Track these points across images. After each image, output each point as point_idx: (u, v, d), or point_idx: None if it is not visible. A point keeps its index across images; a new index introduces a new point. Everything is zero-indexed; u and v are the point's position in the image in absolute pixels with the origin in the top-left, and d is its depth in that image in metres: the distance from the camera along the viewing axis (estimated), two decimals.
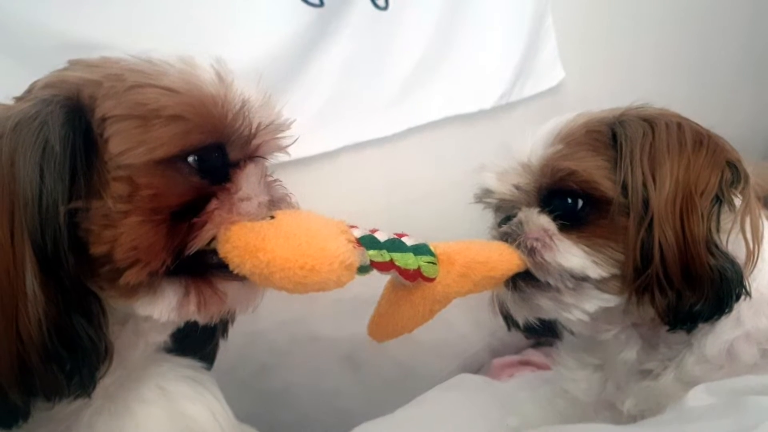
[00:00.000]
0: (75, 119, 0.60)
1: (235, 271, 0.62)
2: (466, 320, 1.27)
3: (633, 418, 0.81)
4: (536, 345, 1.29)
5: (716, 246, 0.71)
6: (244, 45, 1.11)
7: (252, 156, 0.69)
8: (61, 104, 0.60)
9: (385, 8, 1.27)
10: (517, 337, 1.26)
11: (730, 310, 0.72)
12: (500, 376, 1.20)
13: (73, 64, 0.67)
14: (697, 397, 0.69)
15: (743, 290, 0.72)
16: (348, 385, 1.24)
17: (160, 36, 1.03)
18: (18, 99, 0.64)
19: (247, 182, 0.66)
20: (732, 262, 0.71)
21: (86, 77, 0.63)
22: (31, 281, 0.56)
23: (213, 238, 0.63)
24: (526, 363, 1.23)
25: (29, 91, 0.65)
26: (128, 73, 0.63)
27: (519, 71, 1.43)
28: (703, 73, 1.74)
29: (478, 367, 1.27)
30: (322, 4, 1.18)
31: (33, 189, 0.57)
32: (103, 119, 0.60)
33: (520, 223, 0.80)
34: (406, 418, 1.03)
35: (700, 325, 0.74)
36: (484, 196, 0.88)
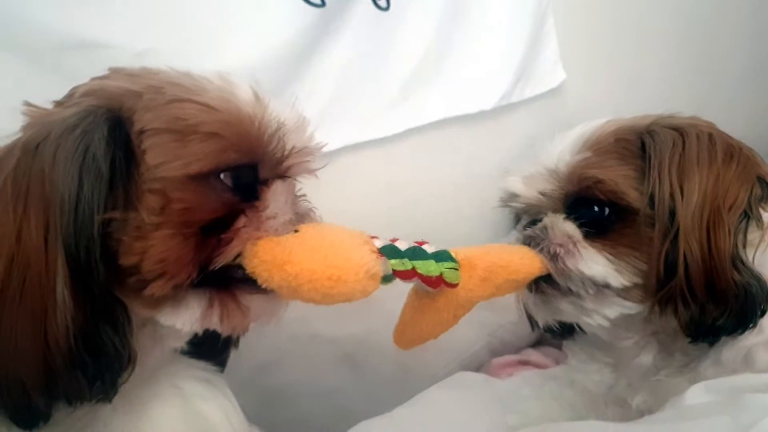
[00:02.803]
0: (116, 130, 0.60)
1: (264, 285, 0.63)
2: (465, 320, 1.26)
3: (641, 414, 0.82)
4: (535, 344, 1.29)
5: (742, 261, 0.71)
6: (246, 45, 1.10)
7: (281, 175, 0.70)
8: (103, 114, 0.60)
9: (387, 9, 1.27)
10: (517, 336, 1.27)
11: (755, 326, 0.72)
12: (499, 376, 1.20)
13: (114, 72, 0.67)
14: (696, 394, 0.70)
15: None
16: (347, 384, 1.23)
17: (160, 35, 1.01)
18: (57, 104, 0.64)
19: (275, 200, 0.67)
20: (757, 278, 0.72)
21: (127, 87, 0.63)
22: (61, 288, 0.57)
23: (238, 254, 0.63)
24: (525, 362, 1.23)
25: (69, 96, 0.65)
26: (168, 86, 0.63)
27: (520, 72, 1.44)
28: (704, 74, 1.75)
29: (478, 366, 1.26)
30: (323, 4, 1.17)
31: (71, 197, 0.57)
32: (142, 131, 0.61)
33: (545, 228, 0.80)
34: (404, 416, 1.03)
35: (723, 339, 0.74)
36: (509, 200, 0.87)
